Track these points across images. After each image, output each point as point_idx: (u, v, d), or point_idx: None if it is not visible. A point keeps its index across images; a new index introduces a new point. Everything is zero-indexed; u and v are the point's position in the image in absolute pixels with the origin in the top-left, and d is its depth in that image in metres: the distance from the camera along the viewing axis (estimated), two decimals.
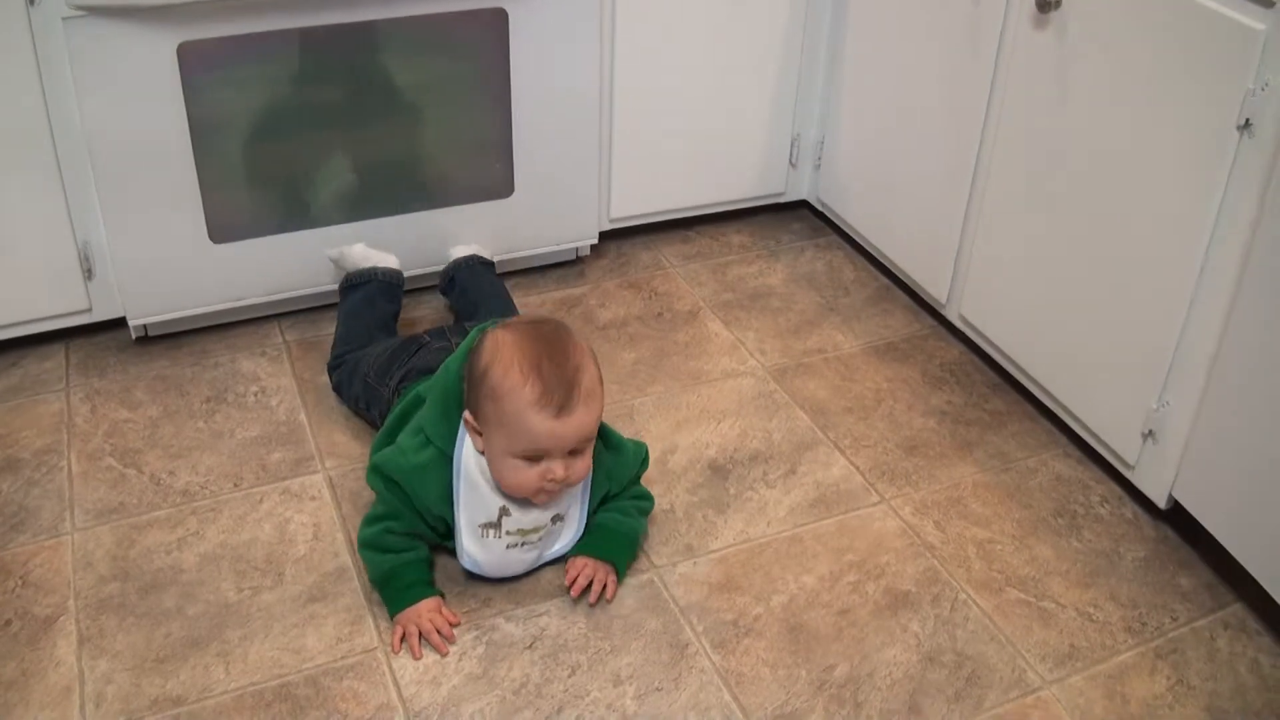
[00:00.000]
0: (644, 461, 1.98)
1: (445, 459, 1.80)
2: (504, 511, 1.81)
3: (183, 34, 2.11)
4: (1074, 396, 2.18)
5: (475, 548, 1.83)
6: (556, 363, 1.72)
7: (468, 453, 1.79)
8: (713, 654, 1.81)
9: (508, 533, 1.83)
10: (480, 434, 1.77)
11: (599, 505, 1.94)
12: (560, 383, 1.70)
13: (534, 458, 1.73)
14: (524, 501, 1.81)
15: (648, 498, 2.00)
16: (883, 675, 1.79)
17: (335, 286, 2.46)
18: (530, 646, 1.81)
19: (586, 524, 1.93)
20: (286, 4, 2.16)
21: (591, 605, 1.88)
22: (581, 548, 1.92)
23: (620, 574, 1.92)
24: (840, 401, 2.35)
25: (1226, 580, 1.98)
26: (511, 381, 1.70)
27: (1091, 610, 1.92)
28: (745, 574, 1.95)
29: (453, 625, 1.83)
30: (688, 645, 1.83)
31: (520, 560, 1.88)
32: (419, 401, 1.92)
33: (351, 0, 2.20)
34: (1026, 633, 1.87)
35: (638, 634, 1.84)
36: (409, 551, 1.85)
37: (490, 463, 1.77)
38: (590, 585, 1.88)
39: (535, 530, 1.85)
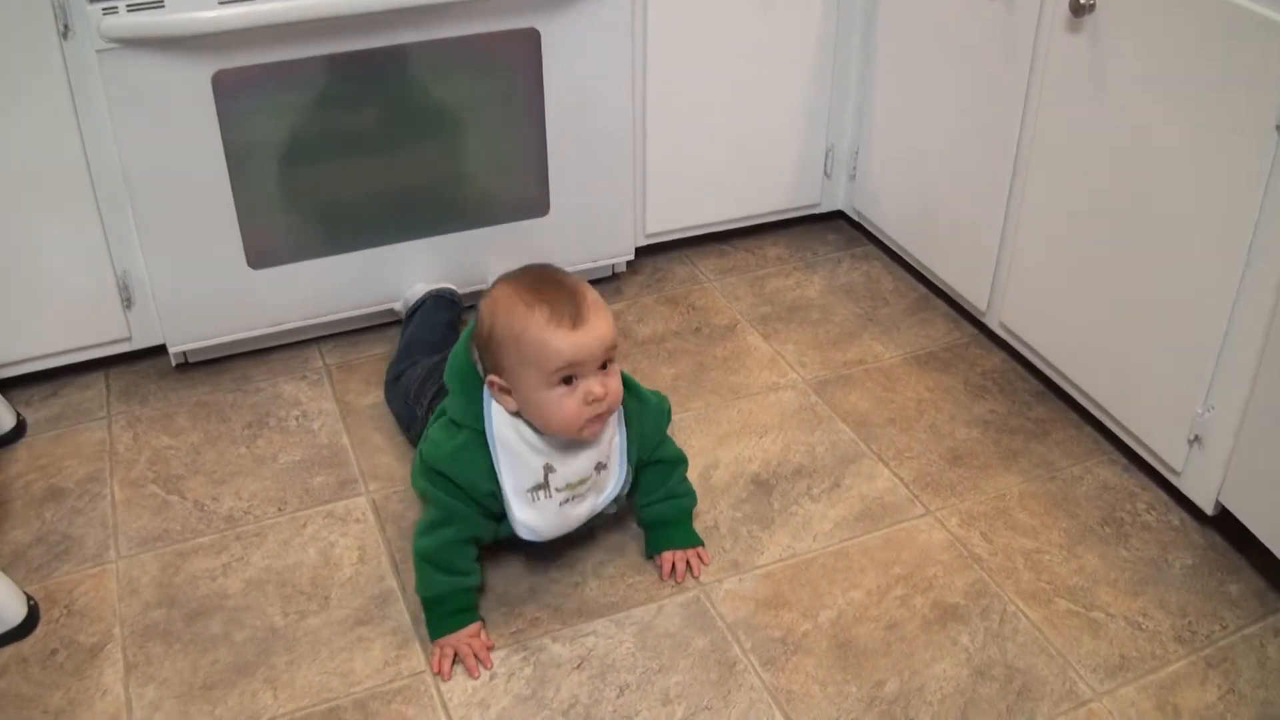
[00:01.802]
0: (667, 413, 2.00)
1: (480, 437, 1.80)
2: (549, 469, 1.81)
3: (217, 63, 2.12)
4: (1118, 403, 2.16)
5: (529, 514, 1.82)
6: (555, 286, 1.76)
7: (499, 422, 1.79)
8: (762, 672, 1.80)
9: (557, 489, 1.83)
10: (509, 392, 1.77)
11: (639, 464, 1.96)
12: (566, 299, 1.73)
13: (569, 381, 1.74)
14: (567, 450, 1.81)
15: (682, 460, 2.02)
16: (933, 690, 1.78)
17: (375, 309, 2.49)
18: (578, 667, 1.81)
19: (634, 487, 1.98)
20: (320, 30, 2.16)
21: (680, 581, 1.97)
22: (661, 543, 1.99)
23: (699, 543, 2.02)
24: (882, 413, 2.34)
25: (1275, 586, 1.96)
26: (520, 317, 1.72)
27: (1141, 619, 1.90)
28: (792, 589, 1.94)
29: (489, 649, 1.84)
30: (736, 663, 1.82)
31: (575, 516, 1.88)
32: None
33: (385, 24, 2.20)
34: (1076, 644, 1.86)
35: (685, 652, 1.83)
36: (467, 576, 1.85)
37: (529, 410, 1.77)
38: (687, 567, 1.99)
39: (583, 481, 1.85)
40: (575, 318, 1.72)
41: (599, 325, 1.74)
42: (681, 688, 1.78)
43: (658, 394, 1.99)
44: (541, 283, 1.76)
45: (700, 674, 1.80)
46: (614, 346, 1.77)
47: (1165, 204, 1.94)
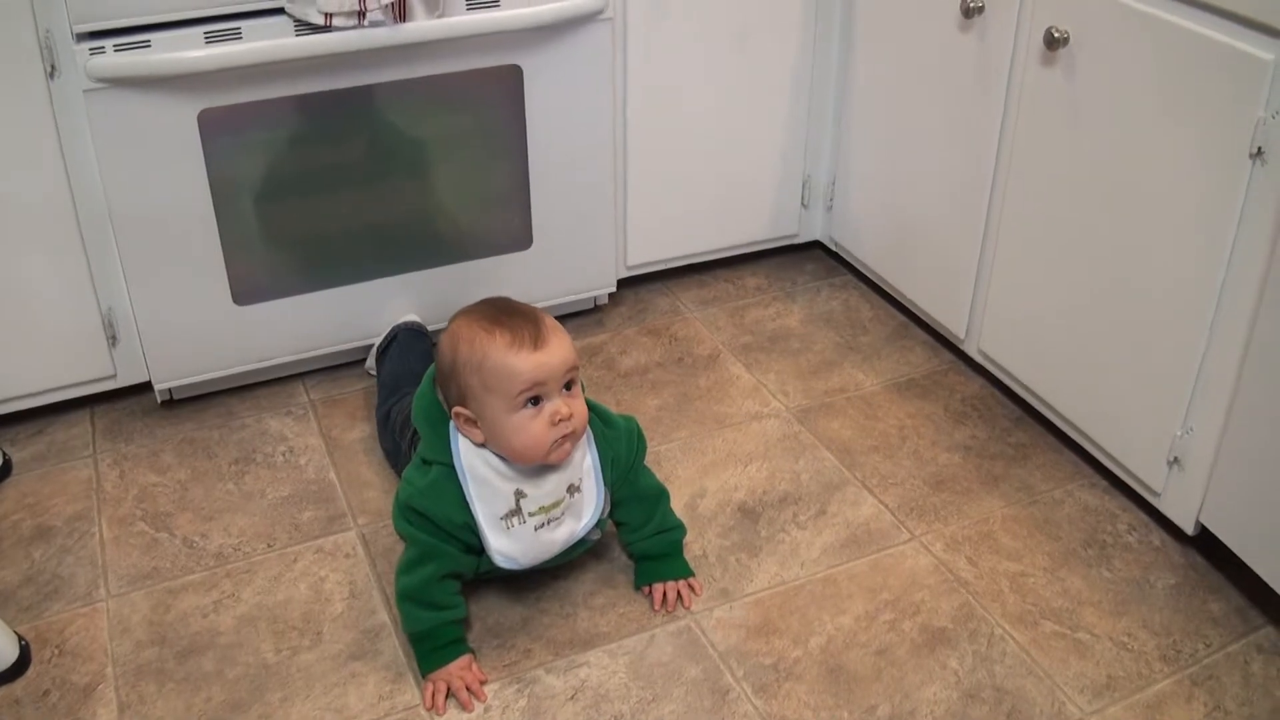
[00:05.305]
0: (639, 436, 1.99)
1: (450, 471, 1.82)
2: (519, 495, 1.82)
3: (203, 102, 2.13)
4: (1097, 426, 2.19)
5: (504, 542, 1.83)
6: (512, 312, 1.81)
7: (467, 454, 1.81)
8: (754, 699, 1.82)
9: (530, 514, 1.84)
10: (475, 424, 1.79)
11: (618, 496, 1.98)
12: (524, 323, 1.78)
13: (535, 401, 1.76)
14: (537, 475, 1.82)
15: (663, 493, 2.03)
16: (924, 714, 1.79)
17: (360, 344, 2.50)
18: (572, 698, 1.82)
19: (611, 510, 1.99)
20: (305, 69, 2.18)
21: (671, 611, 1.98)
22: (651, 575, 2.01)
23: (690, 574, 2.04)
24: (865, 440, 2.36)
25: (1257, 604, 1.98)
26: (481, 344, 1.76)
27: (1126, 639, 1.92)
28: (782, 616, 1.96)
29: (482, 683, 1.84)
30: (729, 691, 1.83)
31: (552, 541, 1.88)
32: None
33: (369, 63, 2.22)
34: (1063, 665, 1.88)
35: (678, 681, 1.84)
36: (449, 610, 1.85)
37: (497, 439, 1.79)
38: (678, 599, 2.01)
39: (556, 504, 1.85)
40: (536, 339, 1.76)
41: (559, 346, 1.78)
42: (676, 717, 1.79)
43: (627, 417, 2.00)
44: (498, 310, 1.81)
45: (694, 702, 1.81)
46: (575, 368, 1.80)
47: (1140, 231, 1.97)
